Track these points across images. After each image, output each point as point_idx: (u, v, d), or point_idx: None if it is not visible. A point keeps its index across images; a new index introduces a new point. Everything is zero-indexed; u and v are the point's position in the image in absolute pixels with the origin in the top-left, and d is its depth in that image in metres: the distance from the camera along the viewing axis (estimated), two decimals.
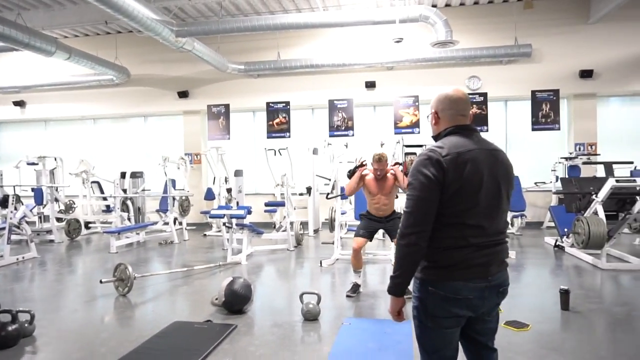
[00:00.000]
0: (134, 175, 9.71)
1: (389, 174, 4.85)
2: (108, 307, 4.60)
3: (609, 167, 6.70)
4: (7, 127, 12.59)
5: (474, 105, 9.06)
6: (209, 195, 10.04)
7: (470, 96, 9.24)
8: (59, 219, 9.35)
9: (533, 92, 9.16)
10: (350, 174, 5.08)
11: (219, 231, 9.21)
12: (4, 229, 6.76)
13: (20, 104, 11.77)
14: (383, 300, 4.62)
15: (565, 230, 6.85)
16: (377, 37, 9.79)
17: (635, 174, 8.21)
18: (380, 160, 4.74)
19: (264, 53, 10.30)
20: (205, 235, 9.28)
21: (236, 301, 4.18)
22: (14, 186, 8.85)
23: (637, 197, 5.99)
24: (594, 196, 6.00)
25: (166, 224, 8.97)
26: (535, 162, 10.04)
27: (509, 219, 8.62)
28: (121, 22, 9.47)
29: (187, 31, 8.06)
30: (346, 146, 7.37)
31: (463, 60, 9.50)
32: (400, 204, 5.86)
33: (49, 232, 8.94)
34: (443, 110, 1.85)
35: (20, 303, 4.61)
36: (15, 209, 7.06)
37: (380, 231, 5.55)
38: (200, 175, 11.00)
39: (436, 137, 1.88)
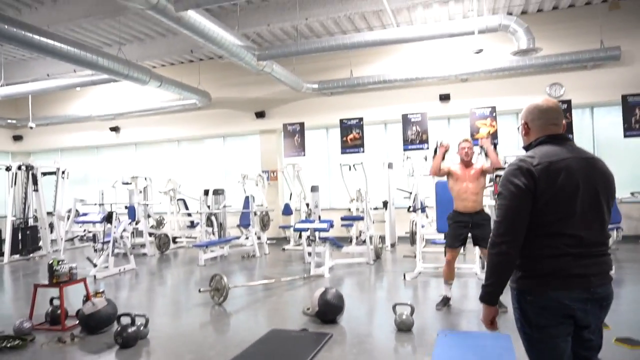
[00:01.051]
0: (216, 192, 10.25)
1: (476, 165, 4.76)
2: (206, 315, 4.89)
3: None
4: (104, 150, 13.85)
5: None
6: (287, 211, 10.35)
7: None
8: (150, 234, 10.06)
9: (624, 97, 8.59)
10: (434, 154, 5.02)
11: (298, 245, 9.45)
12: (108, 242, 7.41)
13: (115, 129, 12.94)
14: (474, 314, 4.51)
15: None
16: (450, 50, 9.71)
17: None
18: (466, 140, 4.76)
19: (337, 71, 10.57)
20: (284, 249, 9.56)
21: (329, 311, 4.28)
22: (111, 204, 9.68)
23: None
24: None
25: (247, 238, 9.35)
26: (629, 170, 9.33)
27: None
28: (205, 50, 10.18)
29: (267, 54, 8.50)
30: (425, 159, 7.33)
31: (543, 68, 9.14)
32: (487, 201, 5.70)
33: (142, 246, 9.64)
34: (533, 120, 1.85)
35: (127, 309, 5.00)
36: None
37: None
38: (276, 191, 11.38)
39: (527, 148, 1.87)
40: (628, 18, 8.90)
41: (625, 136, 8.59)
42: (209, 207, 9.53)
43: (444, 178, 4.94)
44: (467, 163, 4.72)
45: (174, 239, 10.35)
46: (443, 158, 4.80)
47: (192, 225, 10.87)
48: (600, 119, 9.67)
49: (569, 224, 1.67)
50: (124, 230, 7.99)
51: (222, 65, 10.70)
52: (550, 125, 1.81)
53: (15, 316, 4.69)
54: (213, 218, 9.67)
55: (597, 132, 9.69)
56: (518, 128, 1.94)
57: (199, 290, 5.27)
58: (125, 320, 3.90)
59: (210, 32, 7.02)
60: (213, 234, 9.53)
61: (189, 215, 11.01)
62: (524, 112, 1.89)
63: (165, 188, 10.51)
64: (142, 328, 3.99)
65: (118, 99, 12.55)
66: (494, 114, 9.13)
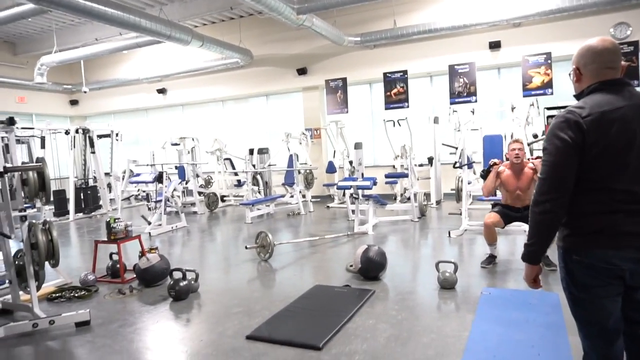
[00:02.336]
0: (261, 151, 10.39)
1: (527, 168, 4.55)
2: (253, 271, 5.07)
3: None
4: (153, 112, 14.28)
5: (623, 58, 7.94)
6: (331, 169, 10.36)
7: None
8: (199, 193, 10.44)
9: None
10: (485, 174, 4.86)
11: (342, 203, 9.51)
12: (160, 201, 7.77)
13: (162, 91, 13.27)
14: (520, 272, 4.39)
15: None
16: None
17: None
18: (517, 141, 4.60)
19: (380, 22, 10.14)
20: (328, 207, 9.65)
21: (372, 268, 4.32)
22: (162, 164, 10.08)
23: None
24: None
25: (292, 196, 9.50)
26: None
27: None
28: (244, 6, 10.04)
29: (307, 8, 8.26)
30: (472, 112, 7.02)
31: (606, 6, 8.32)
32: None
33: (192, 204, 10.05)
34: (585, 65, 1.66)
35: (179, 264, 5.27)
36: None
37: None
38: (320, 149, 11.38)
39: (579, 96, 1.69)
40: None
41: None
42: (254, 166, 9.72)
43: (494, 132, 4.78)
44: (517, 166, 4.57)
45: (222, 198, 10.69)
46: (496, 176, 4.68)
47: (239, 184, 11.16)
48: None
49: (622, 178, 1.55)
50: (175, 189, 8.33)
51: (262, 21, 10.54)
52: (605, 69, 1.63)
53: (81, 269, 5.09)
54: (258, 177, 9.87)
55: None
56: (570, 74, 1.74)
57: (246, 247, 5.46)
58: (177, 275, 4.12)
59: None
60: (259, 192, 9.76)
61: (236, 174, 11.29)
62: (575, 56, 1.70)
63: (212, 148, 10.77)
64: (192, 282, 4.21)
65: (163, 61, 12.76)
66: (549, 61, 8.51)
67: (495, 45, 9.44)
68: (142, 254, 4.92)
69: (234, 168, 11.46)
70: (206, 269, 5.23)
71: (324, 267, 5.17)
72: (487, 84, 9.90)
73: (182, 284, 4.03)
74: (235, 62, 11.44)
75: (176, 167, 10.31)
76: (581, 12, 8.55)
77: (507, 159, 4.68)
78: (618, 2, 8.18)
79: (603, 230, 1.57)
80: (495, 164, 4.72)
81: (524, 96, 8.50)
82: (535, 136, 7.47)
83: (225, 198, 10.89)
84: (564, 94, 8.66)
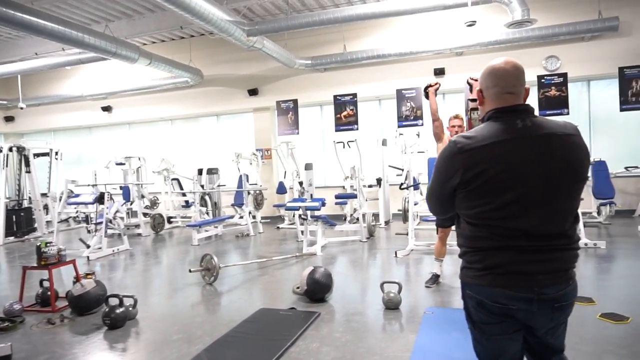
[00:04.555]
0: (210, 171, 10.20)
1: None
2: (197, 295, 4.90)
3: None
4: (97, 130, 13.72)
5: (553, 87, 8.54)
6: (281, 189, 10.32)
7: (548, 77, 8.71)
8: (145, 214, 10.06)
9: (621, 69, 8.44)
10: (425, 95, 4.67)
11: (292, 224, 9.46)
12: (101, 223, 7.40)
13: (107, 109, 12.81)
14: None
15: None
16: (445, 23, 9.51)
17: None
18: (457, 117, 4.57)
19: (330, 46, 10.38)
20: (278, 227, 9.57)
21: (318, 290, 4.29)
22: (105, 184, 9.65)
23: None
24: None
25: (241, 217, 9.35)
26: (624, 145, 9.28)
27: (595, 207, 8.09)
28: (195, 26, 9.95)
29: (257, 30, 8.31)
30: (418, 136, 7.26)
31: (539, 40, 8.97)
32: None
33: (137, 226, 9.65)
34: (487, 88, 1.57)
35: (119, 290, 5.00)
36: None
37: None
38: (271, 170, 11.33)
39: (483, 121, 1.60)
40: None
41: (621, 110, 8.48)
42: (202, 186, 9.51)
43: (436, 154, 4.84)
44: None
45: (169, 219, 10.36)
46: (435, 96, 4.57)
47: (187, 205, 10.86)
48: (597, 93, 9.54)
49: (510, 214, 1.46)
50: (117, 210, 7.97)
51: (214, 41, 10.50)
52: (505, 95, 1.53)
53: (8, 298, 4.71)
54: (207, 197, 9.66)
55: (593, 106, 9.58)
56: (470, 100, 1.76)
57: (190, 271, 5.28)
58: (113, 302, 3.90)
59: (198, 7, 6.83)
60: (207, 213, 9.53)
61: (183, 194, 10.99)
62: (480, 77, 1.60)
63: (159, 168, 10.46)
64: (130, 309, 4.00)
65: (109, 77, 12.37)
66: None
67: (439, 72, 9.88)
68: (77, 279, 4.63)
69: (181, 188, 11.16)
70: (147, 294, 5.01)
71: (270, 289, 5.08)
72: None
73: (119, 311, 3.82)
74: (185, 82, 11.28)
75: (120, 188, 9.90)
76: (516, 44, 9.15)
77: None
78: (548, 37, 8.84)
79: (492, 268, 1.50)
80: (430, 85, 4.59)
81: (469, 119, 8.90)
82: None
83: (172, 219, 10.55)
84: None
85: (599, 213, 8.10)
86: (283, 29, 8.44)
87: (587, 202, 8.12)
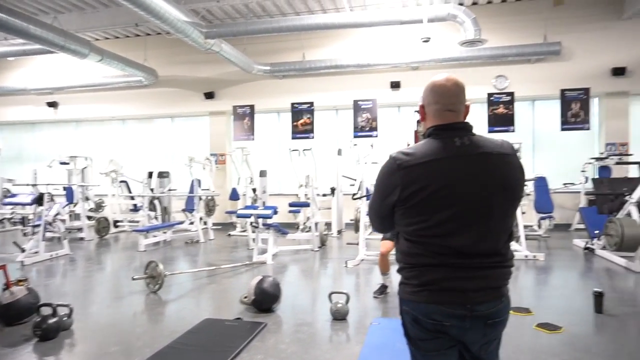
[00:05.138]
0: (161, 175, 9.90)
1: None
2: (140, 304, 4.71)
3: None
4: (41, 127, 13.00)
5: (501, 105, 8.94)
6: (234, 196, 10.16)
7: (497, 95, 9.12)
8: (89, 217, 9.60)
9: (562, 91, 8.99)
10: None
11: (244, 231, 9.32)
12: (39, 226, 6.98)
13: (53, 104, 12.17)
14: None
15: (596, 232, 6.69)
16: (402, 37, 9.76)
17: None
18: None
19: (289, 54, 10.38)
20: (229, 235, 9.40)
21: (265, 300, 4.23)
22: (46, 185, 9.13)
23: None
24: (627, 197, 5.85)
25: (192, 223, 9.12)
26: (563, 162, 9.84)
27: (536, 221, 8.51)
28: (151, 24, 9.69)
29: (215, 32, 8.19)
30: (372, 147, 7.36)
31: (490, 59, 9.38)
32: None
33: (80, 230, 9.19)
34: (429, 104, 1.57)
35: (56, 298, 4.75)
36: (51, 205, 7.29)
37: None
38: (225, 175, 11.15)
39: (424, 137, 1.60)
40: (570, 14, 9.26)
41: (561, 129, 9.01)
42: (152, 190, 9.20)
43: None
44: None
45: (115, 223, 9.94)
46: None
47: (135, 208, 10.47)
48: (541, 112, 10.07)
49: (445, 232, 1.47)
50: (58, 213, 7.55)
51: (170, 41, 10.24)
52: (446, 112, 1.54)
53: None
54: (156, 202, 9.35)
55: (537, 125, 10.11)
56: (415, 111, 1.77)
57: (133, 278, 5.07)
58: (46, 311, 3.67)
59: (153, 5, 6.66)
60: (156, 218, 9.23)
61: (132, 198, 10.59)
62: (422, 92, 1.61)
63: (107, 169, 10.02)
64: (65, 318, 3.77)
65: (56, 72, 11.80)
66: None
67: (396, 85, 10.11)
68: (7, 286, 4.33)
69: (130, 191, 10.75)
70: (86, 302, 4.75)
71: (218, 298, 4.96)
72: (389, 120, 10.51)
73: (51, 321, 3.60)
74: (139, 81, 10.92)
75: (64, 188, 9.41)
76: (469, 62, 9.52)
77: None
78: (498, 57, 9.27)
79: (427, 284, 1.51)
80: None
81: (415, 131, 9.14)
82: None
83: (118, 223, 10.12)
84: None
85: (539, 226, 8.51)
86: (242, 33, 8.37)
87: (529, 216, 8.53)
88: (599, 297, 4.09)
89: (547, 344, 3.40)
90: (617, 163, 8.63)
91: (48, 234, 7.37)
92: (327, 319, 4.06)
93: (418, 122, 2.85)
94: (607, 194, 6.25)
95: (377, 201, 1.62)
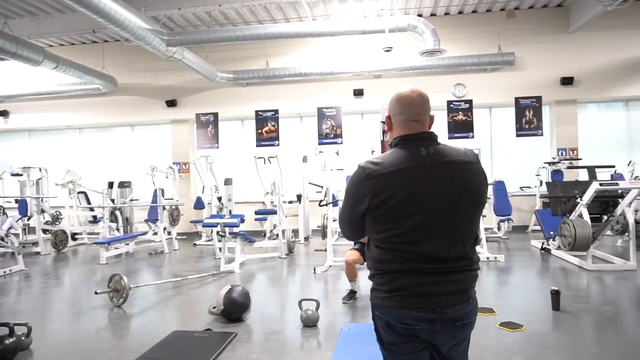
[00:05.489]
0: (122, 185, 9.63)
1: None
2: (104, 319, 4.56)
3: (592, 171, 6.93)
4: None
5: (460, 112, 9.27)
6: (199, 205, 10.00)
7: (456, 103, 9.44)
8: (45, 231, 9.20)
9: (517, 99, 9.41)
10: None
11: (209, 240, 9.19)
12: None
13: (3, 113, 11.60)
14: None
15: (551, 233, 7.03)
16: (364, 46, 9.95)
17: (616, 177, 8.48)
18: None
19: (253, 62, 10.37)
20: (195, 244, 9.24)
21: (235, 309, 4.19)
22: None
23: (620, 200, 6.20)
24: (578, 199, 6.19)
25: (155, 234, 8.91)
26: (520, 167, 10.29)
27: (495, 223, 8.85)
28: (109, 30, 9.45)
29: (177, 40, 8.08)
30: (337, 154, 7.46)
31: (449, 69, 9.71)
32: None
33: (35, 244, 8.78)
34: (395, 115, 1.63)
35: (11, 317, 4.54)
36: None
37: None
38: (188, 184, 10.96)
39: (391, 146, 1.65)
40: (522, 27, 9.74)
41: (516, 136, 9.43)
42: (113, 200, 8.93)
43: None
44: None
45: (74, 236, 9.56)
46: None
47: (95, 220, 10.12)
48: (498, 119, 10.50)
49: (414, 238, 1.52)
50: (11, 227, 7.20)
51: (130, 48, 10.00)
52: (411, 122, 1.59)
53: None
54: (118, 212, 9.08)
55: (494, 131, 10.52)
56: (382, 122, 1.81)
57: (96, 293, 4.90)
58: (2, 331, 3.50)
59: (112, 12, 6.50)
60: (117, 229, 8.95)
61: (91, 209, 10.23)
62: (388, 103, 1.66)
63: (63, 180, 9.64)
64: (23, 338, 3.60)
65: (7, 79, 11.25)
66: None
67: (359, 93, 10.28)
68: None
69: (89, 203, 10.38)
70: (45, 320, 4.55)
71: (185, 310, 4.87)
72: (353, 127, 10.65)
73: (8, 341, 3.42)
74: (97, 89, 10.59)
75: (16, 201, 8.99)
76: (430, 71, 9.82)
77: None
78: (456, 66, 9.62)
79: (398, 290, 1.55)
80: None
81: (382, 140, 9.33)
82: None
83: (77, 236, 9.74)
84: None
85: (498, 229, 8.85)
86: (205, 41, 8.29)
87: (489, 219, 8.86)
88: (555, 295, 4.30)
89: (510, 342, 3.55)
90: (569, 167, 9.11)
91: (0, 250, 7.01)
92: (297, 326, 4.07)
93: (384, 132, 2.91)
94: (560, 196, 6.59)
95: (347, 210, 1.66)
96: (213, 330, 3.95)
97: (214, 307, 4.38)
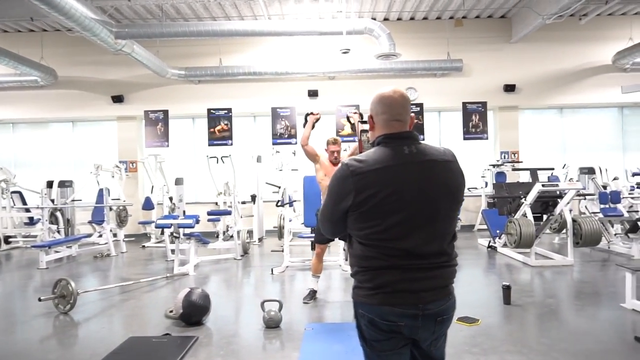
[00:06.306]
0: (63, 184, 9.05)
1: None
2: (48, 327, 4.25)
3: (534, 173, 7.37)
4: None
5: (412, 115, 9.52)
6: (148, 205, 9.59)
7: None
8: None
9: (464, 104, 9.83)
10: (304, 123, 4.77)
11: (159, 242, 8.86)
12: None
13: None
14: (339, 304, 4.73)
15: (497, 231, 7.41)
16: (319, 47, 10.00)
17: (552, 179, 9.07)
18: (335, 142, 4.68)
19: (206, 59, 10.12)
20: (144, 246, 8.86)
21: (195, 312, 4.06)
22: None
23: (559, 200, 6.65)
24: (523, 199, 6.56)
25: (100, 236, 8.46)
26: (466, 169, 10.70)
27: None
28: (49, 19, 8.87)
29: (127, 33, 7.72)
30: (294, 154, 7.43)
31: (401, 72, 9.97)
32: None
33: None
34: (377, 114, 1.67)
35: None
36: None
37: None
38: (136, 184, 10.49)
39: (373, 145, 1.69)
40: (469, 35, 10.20)
41: (464, 139, 9.84)
42: (52, 201, 8.37)
43: (313, 173, 4.96)
44: (335, 162, 4.69)
45: (7, 239, 8.87)
46: (313, 127, 4.68)
47: (31, 222, 9.43)
48: (446, 123, 10.91)
49: (397, 235, 1.54)
50: None
51: (72, 39, 9.41)
52: (393, 122, 1.63)
53: None
54: (58, 214, 8.53)
55: (443, 134, 10.93)
56: (360, 122, 1.86)
57: (39, 299, 4.56)
58: None
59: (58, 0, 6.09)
60: (58, 232, 8.40)
61: (27, 210, 9.54)
62: (370, 103, 1.70)
63: None
64: None
65: None
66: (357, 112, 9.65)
67: (313, 94, 10.31)
68: None
69: (24, 203, 9.67)
70: None
71: (139, 315, 4.65)
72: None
73: None
74: (34, 81, 9.89)
75: None
76: (382, 74, 10.03)
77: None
78: (408, 70, 9.91)
79: (381, 287, 1.56)
80: (311, 113, 4.72)
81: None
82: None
83: (10, 239, 9.03)
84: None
85: None
86: (157, 35, 7.99)
87: None
88: (507, 290, 4.53)
89: (468, 335, 3.70)
90: (514, 169, 9.59)
91: None
92: (258, 327, 4.01)
93: (362, 131, 2.93)
94: (506, 197, 6.95)
95: (329, 206, 1.66)
96: (172, 335, 3.80)
97: (171, 311, 4.22)
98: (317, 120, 4.72)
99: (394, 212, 1.54)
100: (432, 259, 1.58)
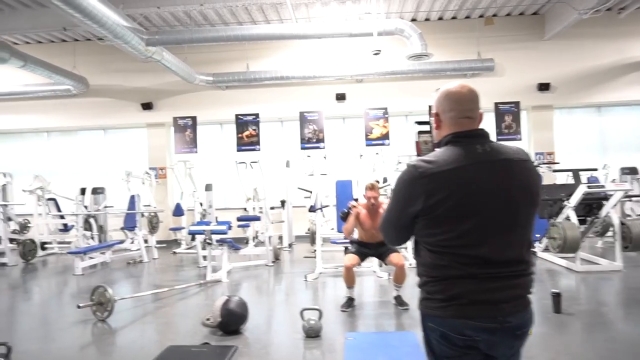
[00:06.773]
0: (95, 191, 9.16)
1: (381, 209, 4.78)
2: (87, 335, 4.24)
3: (576, 174, 7.07)
4: None
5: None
6: (178, 211, 9.64)
7: None
8: (12, 240, 8.64)
9: (496, 104, 9.53)
10: (344, 215, 4.92)
11: (190, 248, 8.87)
12: None
13: None
14: (377, 314, 4.58)
15: (537, 235, 7.11)
16: (346, 50, 9.89)
17: (592, 180, 8.69)
18: (373, 187, 4.76)
19: (233, 64, 10.14)
20: (174, 252, 8.89)
21: (233, 321, 3.98)
22: None
23: (604, 202, 6.33)
24: (565, 202, 6.27)
25: (132, 242, 8.52)
26: None
27: None
28: (80, 29, 9.01)
29: (158, 40, 7.78)
30: (325, 158, 7.32)
31: (430, 74, 9.76)
32: None
33: (1, 254, 8.23)
34: (444, 112, 1.54)
35: None
36: None
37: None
38: (166, 190, 10.57)
39: (438, 145, 1.57)
40: (500, 34, 9.91)
41: (497, 140, 9.50)
42: (86, 207, 8.48)
43: (345, 177, 4.94)
44: (373, 208, 4.74)
45: (43, 245, 9.03)
46: (355, 217, 4.79)
47: (66, 228, 9.59)
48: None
49: (472, 241, 1.42)
50: None
51: (102, 48, 9.57)
52: (462, 119, 1.51)
53: None
54: (92, 220, 8.63)
55: None
56: (429, 122, 1.74)
57: (78, 306, 4.56)
58: None
59: (90, 8, 6.16)
60: (92, 238, 8.50)
61: (62, 217, 9.70)
62: (435, 100, 1.57)
63: (32, 186, 9.10)
64: (2, 359, 3.28)
65: None
66: (386, 115, 9.49)
67: (341, 97, 10.20)
68: None
69: (59, 210, 9.84)
70: (22, 339, 4.18)
71: (175, 323, 4.60)
72: (335, 131, 10.56)
73: None
74: (67, 90, 10.10)
75: None
76: (410, 76, 9.85)
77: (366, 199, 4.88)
78: (437, 72, 9.72)
79: (455, 298, 1.44)
80: (354, 206, 4.84)
81: (367, 145, 9.25)
82: (385, 180, 8.07)
83: (47, 245, 9.20)
84: (399, 146, 9.74)
85: None
86: (186, 41, 8.03)
87: None
88: (556, 297, 4.29)
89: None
90: (554, 171, 9.20)
91: None
92: (298, 337, 3.89)
93: (419, 132, 2.81)
94: (547, 199, 6.66)
95: (396, 211, 1.55)
96: (211, 344, 3.72)
97: (208, 319, 4.14)
98: (358, 214, 4.80)
99: (468, 217, 1.42)
100: (512, 267, 1.45)
